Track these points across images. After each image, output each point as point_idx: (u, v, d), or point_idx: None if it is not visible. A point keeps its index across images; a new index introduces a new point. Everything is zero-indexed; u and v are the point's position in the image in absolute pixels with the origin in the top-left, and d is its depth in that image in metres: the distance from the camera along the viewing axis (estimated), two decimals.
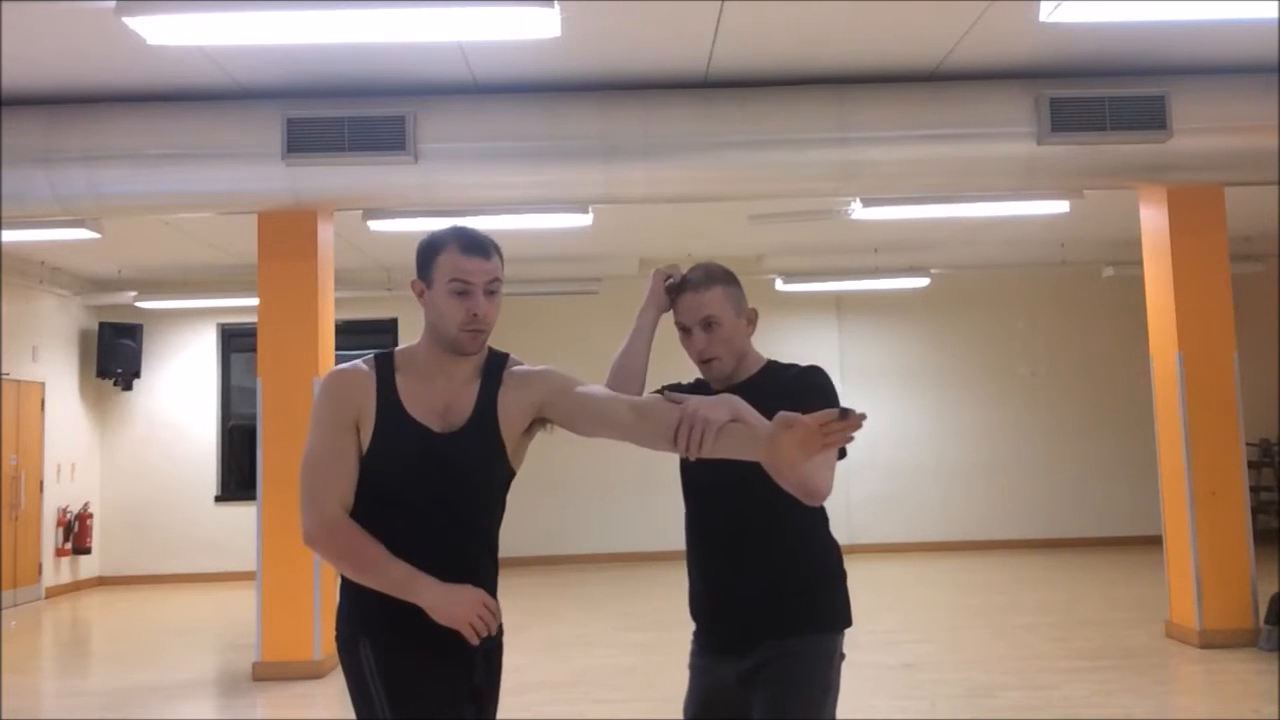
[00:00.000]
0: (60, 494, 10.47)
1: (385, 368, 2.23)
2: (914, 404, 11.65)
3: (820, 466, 2.09)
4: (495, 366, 2.26)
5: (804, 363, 2.43)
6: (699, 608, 2.43)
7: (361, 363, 2.24)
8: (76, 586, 10.74)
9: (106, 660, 7.35)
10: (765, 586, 2.32)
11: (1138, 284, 7.20)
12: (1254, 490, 10.41)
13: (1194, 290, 6.47)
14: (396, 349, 2.29)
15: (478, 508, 2.20)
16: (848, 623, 2.37)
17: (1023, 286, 11.71)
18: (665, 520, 11.47)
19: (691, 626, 2.47)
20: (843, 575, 2.40)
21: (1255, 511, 8.72)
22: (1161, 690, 5.50)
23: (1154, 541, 7.38)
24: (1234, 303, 6.52)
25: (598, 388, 2.26)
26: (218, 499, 11.31)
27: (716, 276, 2.41)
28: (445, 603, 2.05)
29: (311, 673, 6.24)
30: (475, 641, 2.07)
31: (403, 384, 2.20)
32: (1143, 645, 6.45)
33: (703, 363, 2.41)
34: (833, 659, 2.32)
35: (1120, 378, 11.52)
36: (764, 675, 2.28)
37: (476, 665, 2.17)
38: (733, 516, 2.35)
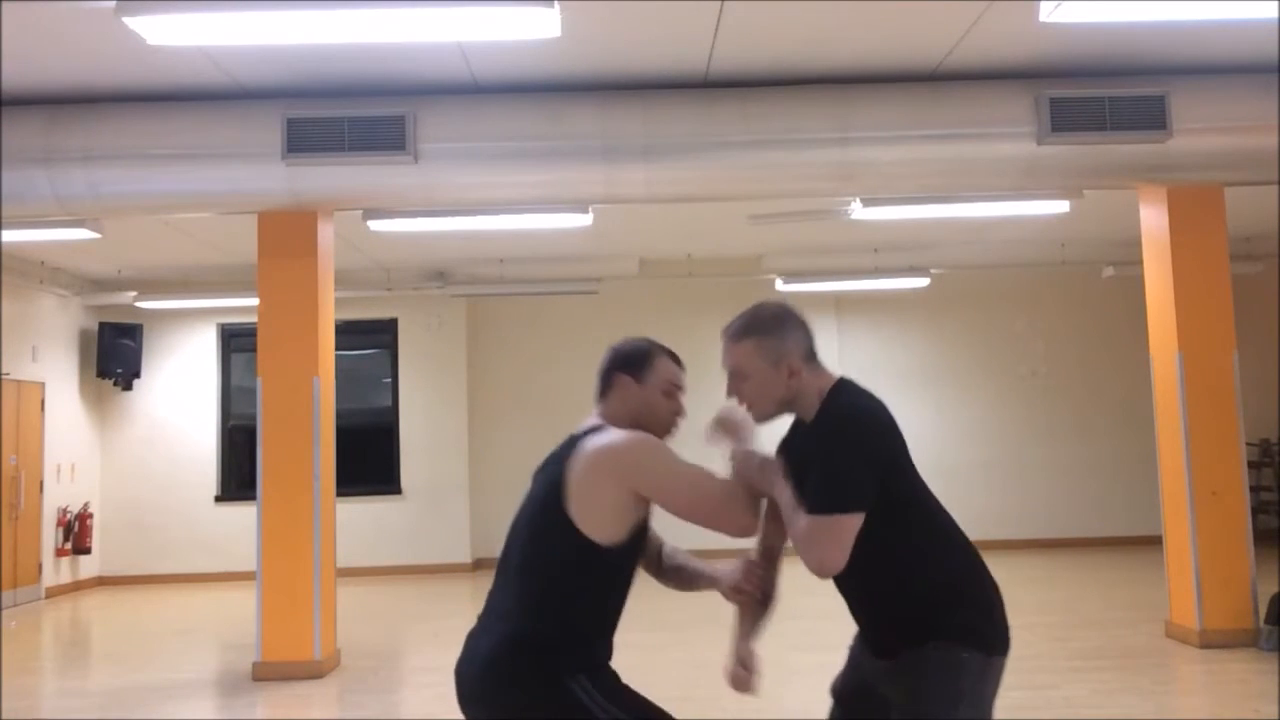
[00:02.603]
0: (60, 494, 10.47)
1: None
2: (913, 404, 11.65)
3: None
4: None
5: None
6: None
7: None
8: (76, 586, 10.74)
9: (106, 660, 7.35)
10: (871, 603, 2.37)
11: (1138, 284, 7.21)
12: (1254, 490, 10.40)
13: (1194, 290, 6.47)
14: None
15: None
16: (970, 637, 2.25)
17: (1023, 286, 11.71)
18: (666, 520, 11.47)
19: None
20: (951, 586, 2.30)
21: (1255, 511, 8.73)
22: (1161, 690, 5.50)
23: (1154, 541, 7.38)
24: (1234, 303, 6.51)
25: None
26: (218, 499, 11.31)
27: (751, 328, 2.37)
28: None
29: (311, 673, 6.24)
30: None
31: None
32: (1143, 645, 6.45)
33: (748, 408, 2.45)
34: (951, 670, 2.23)
35: (1120, 378, 11.53)
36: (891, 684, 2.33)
37: None
38: None
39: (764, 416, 2.41)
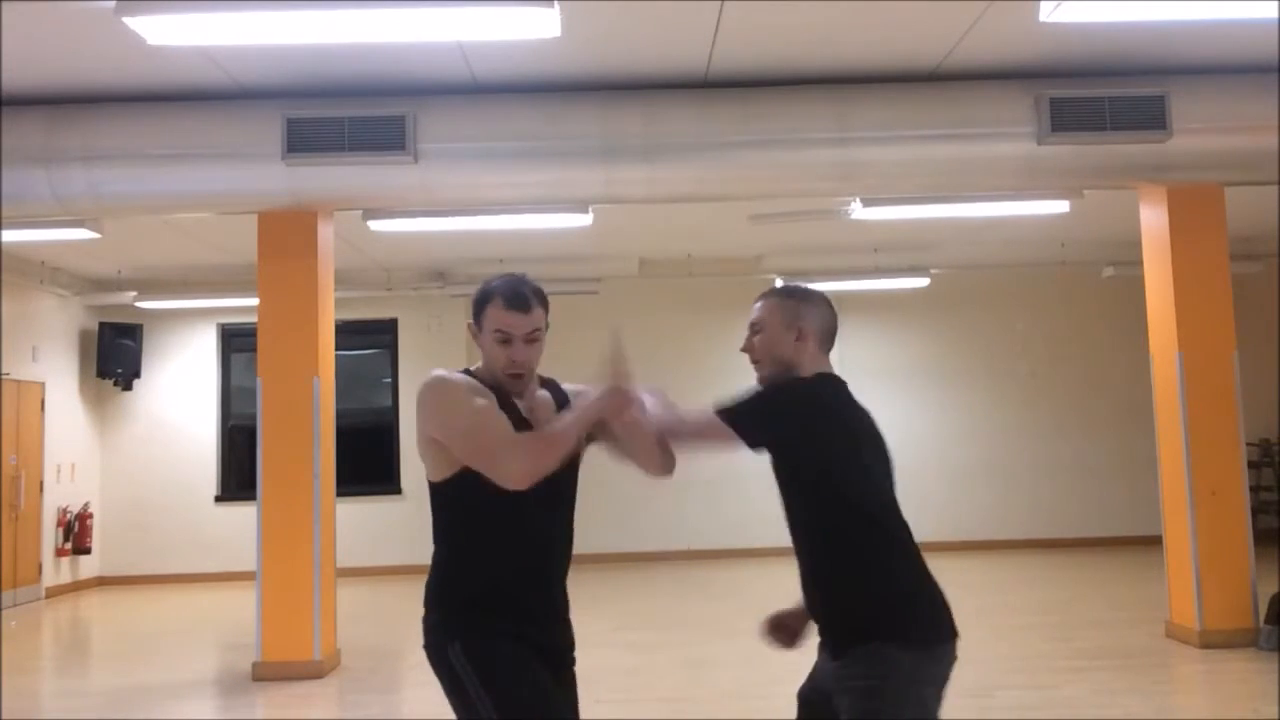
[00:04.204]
0: (60, 494, 10.47)
1: (483, 383, 2.40)
2: (914, 404, 11.65)
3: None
4: (552, 384, 2.53)
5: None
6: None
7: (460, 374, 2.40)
8: (76, 586, 10.74)
9: (106, 660, 7.35)
10: (819, 597, 2.40)
11: (1138, 284, 7.21)
12: (1254, 490, 10.40)
13: (1194, 290, 6.47)
14: (472, 370, 2.43)
15: (571, 504, 2.46)
16: (906, 636, 2.30)
17: (1023, 286, 11.71)
18: (665, 520, 11.46)
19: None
20: (878, 584, 2.35)
21: (1255, 511, 8.73)
22: (1161, 690, 5.50)
23: (1154, 541, 7.38)
24: (1234, 303, 6.52)
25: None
26: (218, 499, 11.31)
27: (779, 292, 2.57)
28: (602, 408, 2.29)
29: (311, 673, 6.24)
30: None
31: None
32: (1143, 645, 6.45)
33: (754, 363, 2.55)
34: (885, 666, 2.28)
35: (1120, 378, 11.53)
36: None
37: (562, 656, 2.38)
38: (790, 526, 2.46)
39: (763, 372, 2.52)
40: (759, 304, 2.55)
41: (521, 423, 2.36)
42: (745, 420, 2.37)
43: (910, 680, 2.26)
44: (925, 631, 2.31)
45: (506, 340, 2.34)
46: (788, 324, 2.49)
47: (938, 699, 2.31)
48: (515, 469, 2.21)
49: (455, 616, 2.29)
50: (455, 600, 2.31)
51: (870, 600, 2.33)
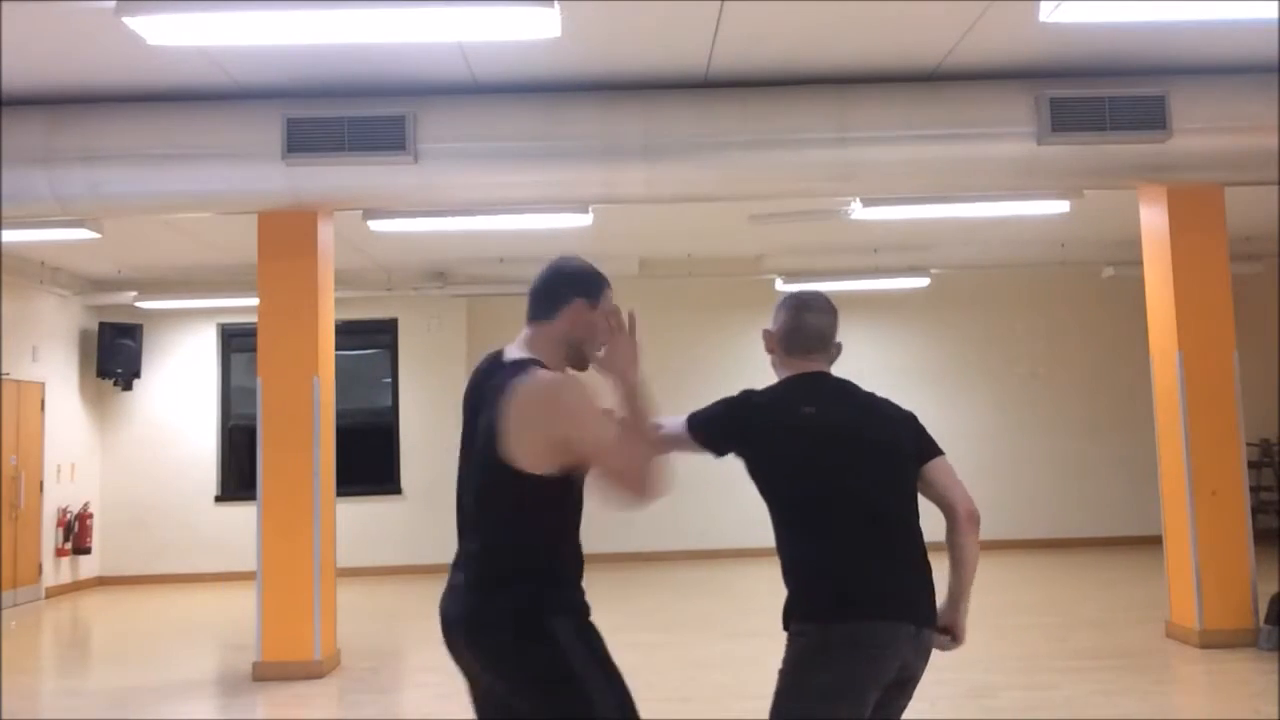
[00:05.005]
0: (60, 494, 10.47)
1: None
2: (913, 404, 11.47)
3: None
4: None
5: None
6: None
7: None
8: (76, 586, 10.74)
9: (106, 660, 7.35)
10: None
11: (1138, 284, 7.22)
12: (1254, 490, 10.40)
13: (1194, 290, 6.47)
14: (542, 362, 2.43)
15: None
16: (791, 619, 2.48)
17: (1023, 286, 11.71)
18: (665, 520, 11.45)
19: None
20: (792, 572, 2.50)
21: (1255, 511, 8.73)
22: (1161, 690, 5.50)
23: (1154, 541, 7.39)
24: (1234, 303, 6.52)
25: None
26: (218, 499, 11.31)
27: (780, 302, 2.74)
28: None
29: (311, 673, 6.24)
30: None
31: None
32: (1143, 645, 6.45)
33: None
34: (791, 644, 2.45)
35: (1120, 378, 11.53)
36: None
37: None
38: None
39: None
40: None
41: None
42: (700, 429, 2.61)
43: (820, 649, 2.37)
44: (839, 608, 2.40)
45: (612, 320, 2.53)
46: (767, 332, 2.72)
47: (873, 670, 2.36)
48: (657, 488, 2.34)
49: (553, 592, 2.36)
50: (550, 576, 2.37)
51: (790, 585, 2.50)
